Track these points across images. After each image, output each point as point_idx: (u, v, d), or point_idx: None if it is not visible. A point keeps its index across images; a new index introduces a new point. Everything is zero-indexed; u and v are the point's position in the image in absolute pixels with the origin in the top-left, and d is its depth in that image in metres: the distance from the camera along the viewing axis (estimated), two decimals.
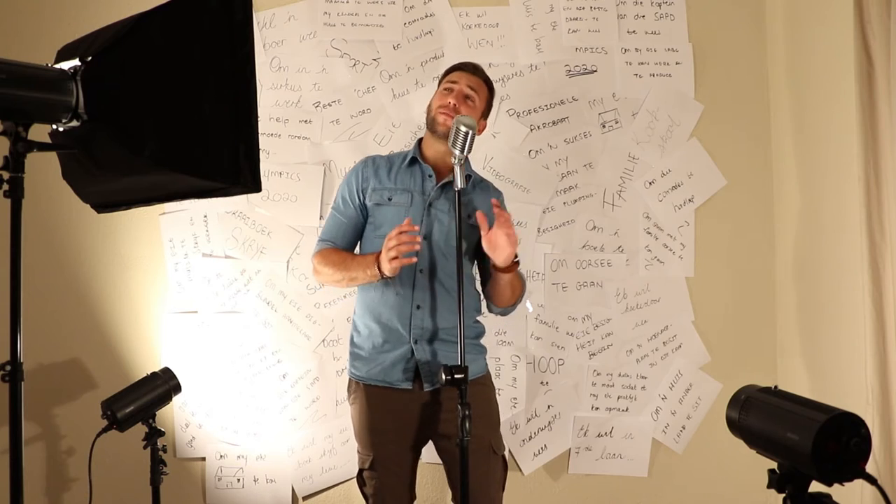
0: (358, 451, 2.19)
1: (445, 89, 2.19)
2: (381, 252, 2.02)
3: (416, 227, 2.02)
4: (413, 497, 2.19)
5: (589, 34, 2.79)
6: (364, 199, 2.20)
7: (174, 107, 1.40)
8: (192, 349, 2.67)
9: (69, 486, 2.65)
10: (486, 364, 2.26)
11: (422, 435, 2.16)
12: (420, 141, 2.27)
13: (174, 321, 2.69)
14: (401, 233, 1.96)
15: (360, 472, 2.17)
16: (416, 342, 2.10)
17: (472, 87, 2.20)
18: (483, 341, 2.26)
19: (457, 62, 2.31)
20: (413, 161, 2.20)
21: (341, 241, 2.22)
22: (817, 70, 2.54)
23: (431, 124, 2.18)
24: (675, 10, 2.81)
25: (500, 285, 2.15)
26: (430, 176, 2.17)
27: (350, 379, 2.22)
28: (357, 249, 2.26)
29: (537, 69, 2.78)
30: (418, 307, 2.10)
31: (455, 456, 1.97)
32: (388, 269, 1.99)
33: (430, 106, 2.22)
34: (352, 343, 2.22)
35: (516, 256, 2.10)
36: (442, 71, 2.34)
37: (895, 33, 2.06)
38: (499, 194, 2.31)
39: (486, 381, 2.23)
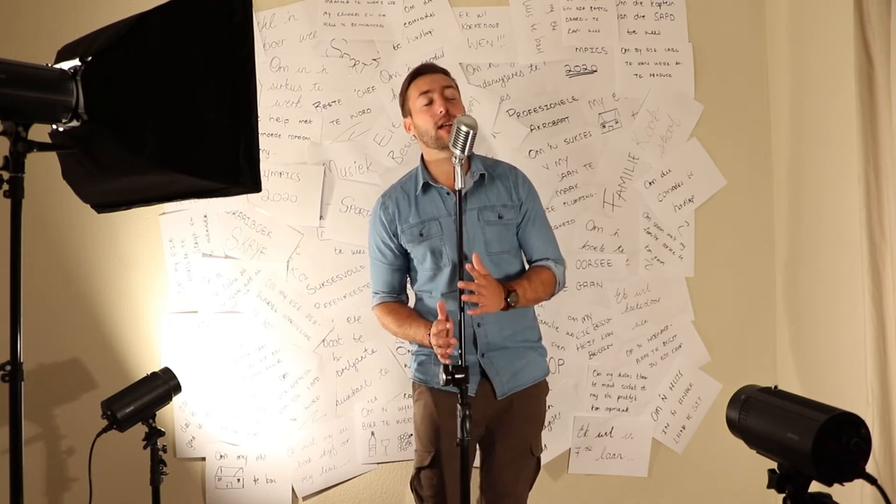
0: (416, 451, 2.18)
1: (426, 102, 2.12)
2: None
3: (450, 325, 1.98)
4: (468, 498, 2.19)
5: (589, 34, 2.79)
6: (399, 241, 2.19)
7: (174, 107, 1.40)
8: (192, 349, 2.67)
9: (69, 486, 2.65)
10: (548, 367, 2.26)
11: (478, 436, 2.15)
12: (423, 161, 2.21)
13: (174, 321, 2.69)
14: (442, 331, 1.97)
15: (418, 472, 2.15)
16: (482, 355, 2.10)
17: (446, 85, 2.16)
18: None
19: (409, 73, 2.24)
20: (426, 186, 2.17)
21: (394, 286, 2.26)
22: (817, 70, 2.54)
23: (438, 142, 2.10)
24: (675, 10, 2.81)
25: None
26: (448, 194, 2.15)
27: (414, 381, 2.23)
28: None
29: (537, 69, 2.78)
30: (479, 325, 2.09)
31: (490, 446, 2.10)
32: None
33: (417, 126, 2.14)
34: (416, 351, 2.22)
35: (508, 297, 2.04)
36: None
37: (895, 33, 2.06)
38: (517, 176, 2.23)
39: (544, 384, 2.24)
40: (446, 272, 2.13)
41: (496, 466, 2.15)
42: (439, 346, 1.97)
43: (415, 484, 2.16)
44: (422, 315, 2.19)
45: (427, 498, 2.12)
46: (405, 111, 2.22)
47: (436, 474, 2.11)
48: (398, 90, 2.71)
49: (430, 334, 2.03)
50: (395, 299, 2.26)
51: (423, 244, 2.15)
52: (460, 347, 1.90)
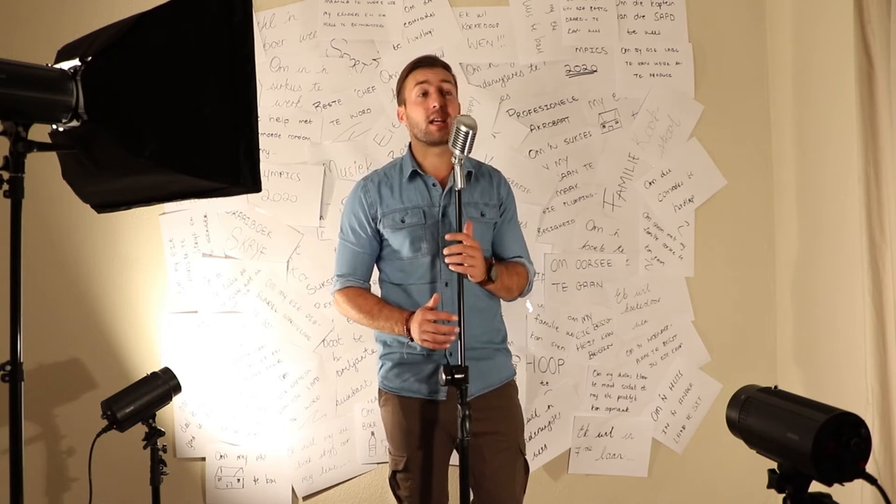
0: (390, 453, 2.18)
1: (421, 94, 2.11)
2: (410, 313, 2.05)
3: (454, 317, 1.97)
4: (447, 498, 2.18)
5: (589, 34, 2.79)
6: (377, 225, 2.16)
7: (174, 107, 1.40)
8: (192, 349, 2.67)
9: (69, 486, 2.65)
10: (514, 368, 2.26)
11: (452, 437, 2.13)
12: (410, 150, 2.20)
13: (174, 321, 2.69)
14: (441, 322, 1.98)
15: (394, 474, 2.15)
16: (450, 354, 2.08)
17: (444, 80, 2.14)
18: None
19: (410, 61, 2.21)
20: (413, 174, 2.16)
21: (361, 272, 2.20)
22: (817, 70, 2.54)
23: (427, 136, 2.11)
24: (675, 10, 2.81)
25: (491, 289, 2.14)
26: (434, 185, 2.14)
27: (380, 389, 2.21)
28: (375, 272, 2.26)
29: (537, 69, 2.78)
30: (447, 322, 2.04)
31: (478, 453, 2.03)
32: (418, 341, 2.02)
33: (410, 117, 2.14)
34: (382, 355, 2.20)
35: (490, 271, 2.05)
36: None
37: (895, 33, 2.06)
38: (500, 178, 2.26)
39: (513, 384, 2.23)
40: (423, 262, 2.11)
41: (489, 472, 2.09)
42: (428, 332, 1.97)
43: (392, 485, 2.17)
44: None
45: (405, 498, 2.13)
46: (400, 100, 2.21)
47: (410, 476, 2.11)
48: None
49: (406, 321, 2.04)
50: (362, 285, 2.20)
51: (402, 231, 2.12)
52: (460, 340, 1.90)
